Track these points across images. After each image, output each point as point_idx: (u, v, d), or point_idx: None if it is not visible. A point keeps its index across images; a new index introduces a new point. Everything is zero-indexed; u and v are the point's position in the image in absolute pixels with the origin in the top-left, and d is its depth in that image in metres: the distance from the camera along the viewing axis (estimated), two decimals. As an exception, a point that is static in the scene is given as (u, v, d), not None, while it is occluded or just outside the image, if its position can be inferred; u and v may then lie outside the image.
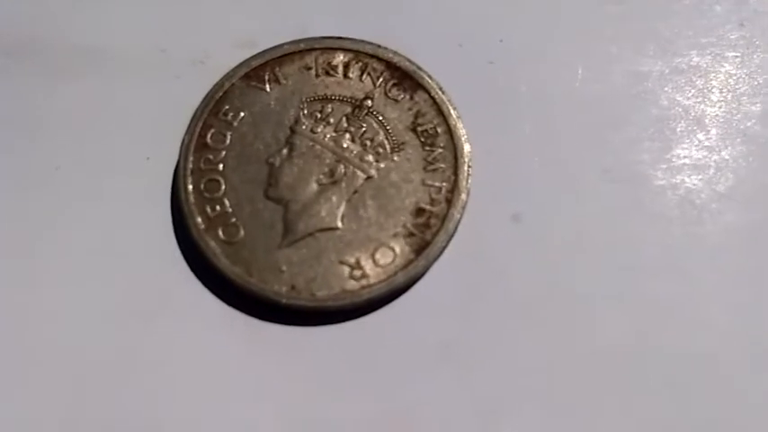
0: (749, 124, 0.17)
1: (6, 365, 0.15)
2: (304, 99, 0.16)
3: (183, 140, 0.16)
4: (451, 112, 0.16)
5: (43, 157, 0.17)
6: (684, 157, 0.17)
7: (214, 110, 0.16)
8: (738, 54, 0.17)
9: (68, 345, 0.15)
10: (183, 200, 0.16)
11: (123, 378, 0.15)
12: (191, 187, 0.16)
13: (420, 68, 0.17)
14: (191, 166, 0.16)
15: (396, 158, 0.16)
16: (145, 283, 0.16)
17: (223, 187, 0.16)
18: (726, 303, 0.16)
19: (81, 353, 0.15)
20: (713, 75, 0.17)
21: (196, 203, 0.16)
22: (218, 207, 0.16)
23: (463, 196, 0.16)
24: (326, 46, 0.17)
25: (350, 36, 0.17)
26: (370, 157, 0.16)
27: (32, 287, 0.16)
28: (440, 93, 0.16)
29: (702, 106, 0.17)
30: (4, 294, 0.16)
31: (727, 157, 0.17)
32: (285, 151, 0.16)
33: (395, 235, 0.15)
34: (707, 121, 0.17)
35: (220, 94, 0.16)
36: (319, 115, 0.16)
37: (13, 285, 0.16)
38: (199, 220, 0.15)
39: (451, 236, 0.15)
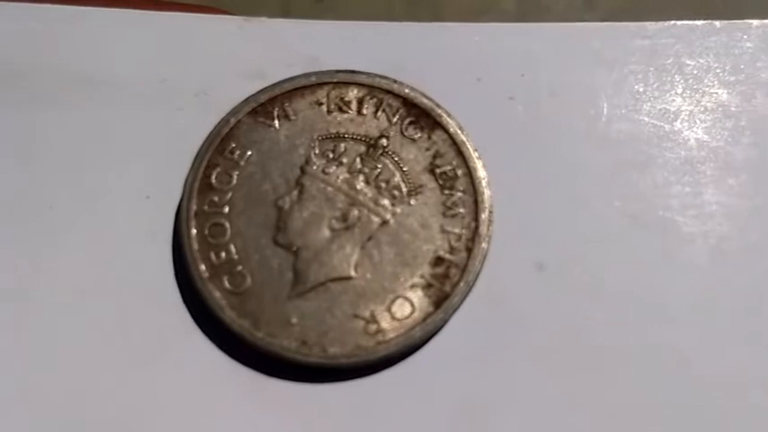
0: (782, 169, 0.16)
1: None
2: (315, 137, 0.15)
3: (187, 180, 0.15)
4: (472, 153, 0.15)
5: (36, 194, 0.16)
6: (715, 203, 0.16)
7: (219, 147, 0.15)
8: (770, 93, 0.17)
9: (62, 398, 0.14)
10: (185, 245, 0.15)
11: (119, 437, 0.14)
12: (194, 231, 0.15)
13: (438, 105, 0.16)
14: (194, 208, 0.15)
15: (412, 202, 0.15)
16: (143, 333, 0.15)
17: (229, 232, 0.15)
18: (757, 358, 0.15)
19: (75, 407, 0.14)
20: (743, 115, 0.16)
21: (200, 249, 0.15)
22: (223, 254, 0.15)
23: (484, 245, 0.15)
24: (339, 80, 0.16)
25: (363, 69, 0.16)
26: (386, 201, 0.15)
27: (24, 337, 0.15)
28: (459, 132, 0.15)
29: (732, 148, 0.16)
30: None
31: (759, 204, 0.16)
32: (295, 193, 0.15)
33: (413, 286, 0.14)
34: (737, 165, 0.16)
35: (226, 130, 0.15)
36: (331, 155, 0.15)
37: (5, 334, 0.15)
38: (203, 267, 0.14)
39: (472, 287, 0.15)
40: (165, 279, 0.15)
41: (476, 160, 0.15)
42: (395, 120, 0.16)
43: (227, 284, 0.14)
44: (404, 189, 0.15)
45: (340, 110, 0.16)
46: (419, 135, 0.16)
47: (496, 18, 0.23)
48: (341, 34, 0.17)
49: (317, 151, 0.15)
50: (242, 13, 0.17)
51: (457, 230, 0.15)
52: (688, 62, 0.17)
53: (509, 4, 0.24)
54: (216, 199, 0.15)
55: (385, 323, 0.14)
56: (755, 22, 0.17)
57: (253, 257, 0.15)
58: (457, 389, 0.14)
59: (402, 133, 0.16)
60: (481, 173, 0.15)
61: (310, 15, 0.17)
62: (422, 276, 0.15)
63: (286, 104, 0.16)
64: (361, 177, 0.15)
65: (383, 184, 0.15)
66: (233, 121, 0.15)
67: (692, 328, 0.15)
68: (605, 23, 0.17)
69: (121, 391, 0.14)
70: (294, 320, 0.14)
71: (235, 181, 0.15)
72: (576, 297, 0.15)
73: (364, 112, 0.16)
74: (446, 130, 0.16)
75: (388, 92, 0.16)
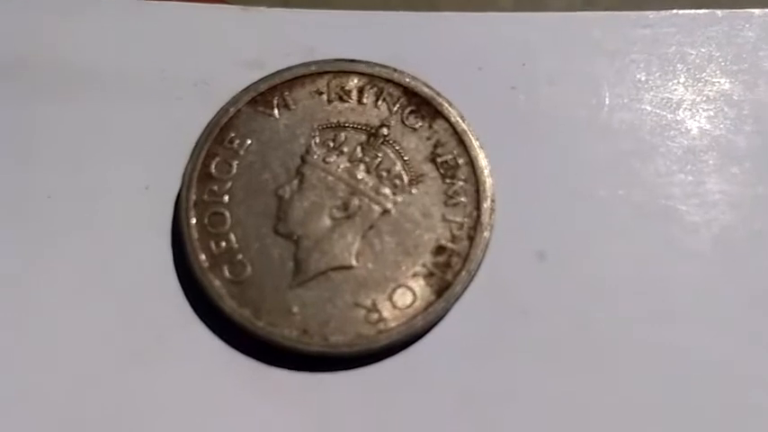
0: (785, 158, 0.16)
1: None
2: (315, 126, 0.15)
3: (186, 170, 0.15)
4: (473, 142, 0.15)
5: (34, 184, 0.15)
6: (718, 192, 0.16)
7: (219, 137, 0.15)
8: (772, 82, 0.17)
9: (61, 391, 0.14)
10: (185, 235, 0.14)
11: (119, 428, 0.14)
12: (194, 221, 0.15)
13: (439, 94, 0.16)
14: (194, 197, 0.15)
15: (414, 191, 0.15)
16: (142, 324, 0.15)
17: (229, 221, 0.15)
18: (761, 349, 0.15)
19: (74, 400, 0.14)
20: (746, 104, 0.16)
21: (199, 239, 0.14)
22: (223, 243, 0.14)
23: (486, 234, 0.15)
24: (339, 69, 0.16)
25: (364, 58, 0.16)
26: (387, 190, 0.15)
27: (23, 326, 0.15)
28: (461, 121, 0.15)
29: (735, 137, 0.16)
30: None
31: (762, 193, 0.16)
32: (295, 182, 0.15)
33: (414, 275, 0.14)
34: (740, 153, 0.16)
35: (225, 119, 0.15)
36: (332, 144, 0.15)
37: (4, 323, 0.15)
38: (202, 256, 0.14)
39: (473, 276, 0.15)
40: (164, 269, 0.15)
41: (477, 149, 0.15)
42: (395, 109, 0.16)
43: (227, 274, 0.14)
44: (405, 178, 0.15)
45: (340, 99, 0.16)
46: (420, 124, 0.15)
47: (494, 10, 0.23)
48: (340, 23, 0.17)
49: (317, 140, 0.15)
50: (240, 2, 0.17)
51: (459, 219, 0.15)
52: (690, 51, 0.17)
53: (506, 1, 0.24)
54: (215, 188, 0.15)
55: (386, 312, 0.14)
56: (757, 11, 0.17)
57: (253, 247, 0.14)
58: (458, 378, 0.14)
59: (403, 122, 0.15)
60: (483, 162, 0.15)
61: (309, 4, 0.17)
62: (423, 265, 0.14)
63: (286, 94, 0.16)
64: (362, 166, 0.15)
65: (384, 173, 0.15)
66: (232, 110, 0.15)
67: (694, 317, 0.15)
68: (606, 12, 0.17)
69: (121, 381, 0.14)
70: (295, 309, 0.14)
71: (234, 170, 0.15)
72: (577, 286, 0.15)
73: (365, 101, 0.16)
74: (447, 120, 0.15)
75: (389, 81, 0.16)
